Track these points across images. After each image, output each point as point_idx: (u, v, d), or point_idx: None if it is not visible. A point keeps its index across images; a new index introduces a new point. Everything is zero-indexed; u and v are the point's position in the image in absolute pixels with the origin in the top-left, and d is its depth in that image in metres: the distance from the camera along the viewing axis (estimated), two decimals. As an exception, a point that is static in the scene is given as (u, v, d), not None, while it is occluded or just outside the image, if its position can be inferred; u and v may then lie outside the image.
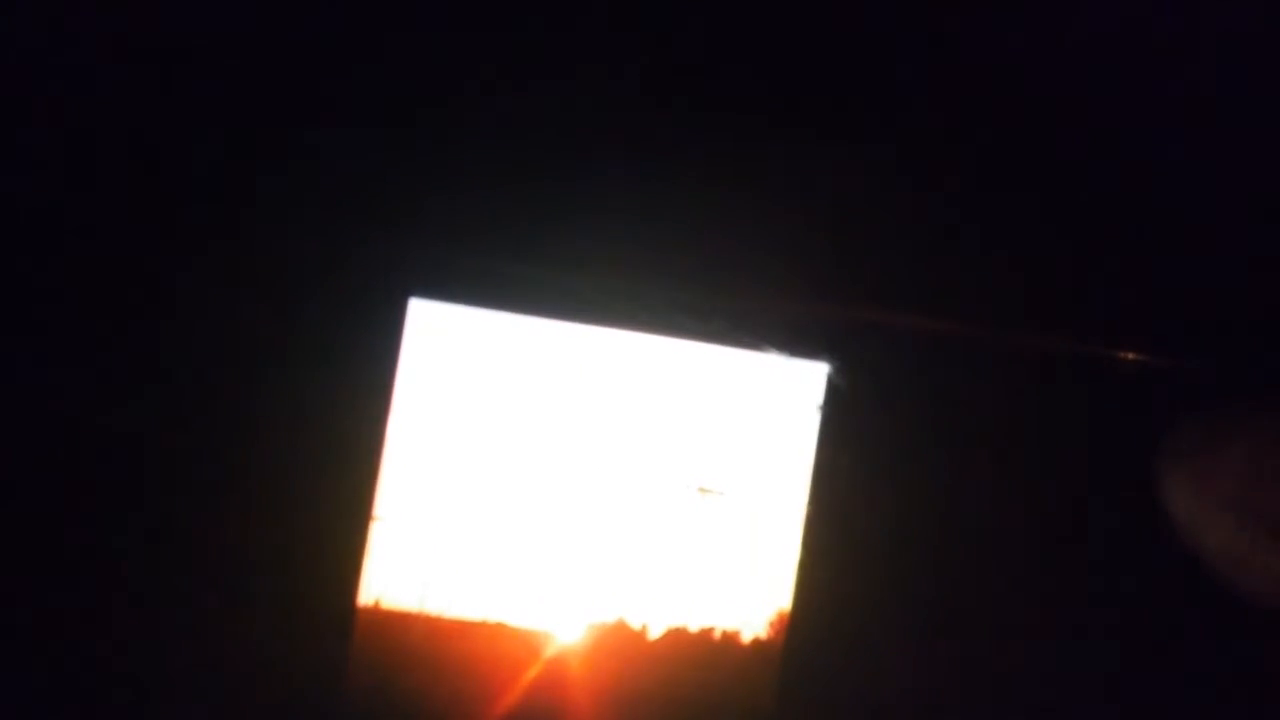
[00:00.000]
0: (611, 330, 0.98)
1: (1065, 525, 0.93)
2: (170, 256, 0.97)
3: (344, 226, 0.96)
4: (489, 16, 0.93)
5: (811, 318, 0.95)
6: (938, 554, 0.94)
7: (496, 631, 1.00)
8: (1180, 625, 0.91)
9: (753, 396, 0.98)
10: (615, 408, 1.00)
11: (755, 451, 0.99)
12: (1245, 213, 0.88)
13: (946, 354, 0.94)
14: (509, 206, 0.96)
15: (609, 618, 1.01)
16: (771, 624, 0.99)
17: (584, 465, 1.00)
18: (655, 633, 1.01)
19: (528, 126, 0.96)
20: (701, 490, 0.99)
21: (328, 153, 0.96)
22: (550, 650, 1.00)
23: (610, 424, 1.00)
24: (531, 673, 0.99)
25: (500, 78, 0.95)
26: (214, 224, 0.97)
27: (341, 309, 0.96)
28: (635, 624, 1.01)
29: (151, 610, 0.95)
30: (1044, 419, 0.94)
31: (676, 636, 1.01)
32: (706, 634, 1.01)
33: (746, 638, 1.00)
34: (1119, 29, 0.80)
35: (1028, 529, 0.94)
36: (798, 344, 0.96)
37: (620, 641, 1.01)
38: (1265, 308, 0.90)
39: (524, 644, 1.00)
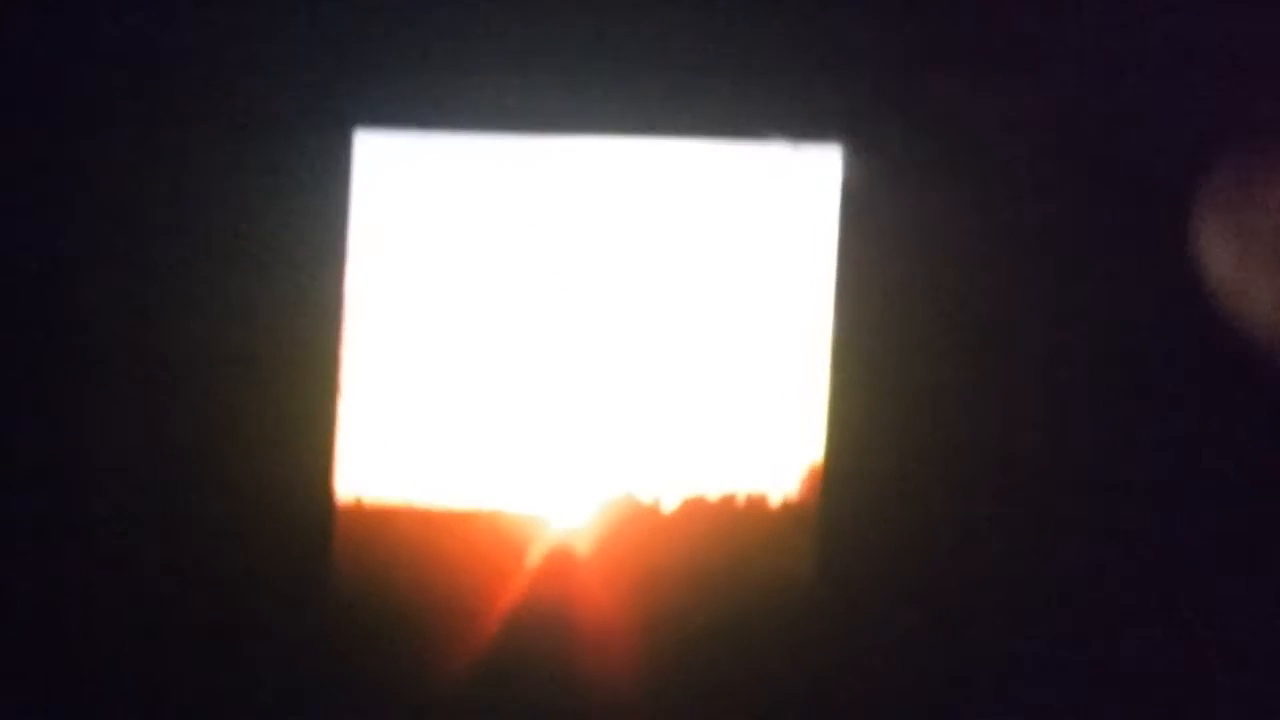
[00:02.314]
0: (589, 140, 0.86)
1: (1116, 326, 0.82)
2: (94, 98, 0.85)
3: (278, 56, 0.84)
4: None
5: (820, 97, 0.83)
6: (984, 361, 0.83)
7: (492, 520, 0.88)
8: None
9: (758, 202, 0.86)
10: (602, 235, 0.87)
11: (767, 273, 0.87)
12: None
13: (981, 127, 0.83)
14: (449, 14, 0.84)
15: (615, 494, 0.89)
16: (803, 481, 0.87)
17: (572, 309, 0.87)
18: (670, 506, 0.89)
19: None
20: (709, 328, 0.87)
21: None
22: (553, 536, 0.88)
23: (599, 257, 0.87)
24: (533, 563, 0.87)
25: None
26: (142, 61, 0.85)
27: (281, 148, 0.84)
28: (646, 498, 0.89)
29: (117, 517, 0.84)
30: (1087, 191, 0.83)
31: (695, 507, 0.89)
32: (729, 501, 0.89)
33: (775, 500, 0.88)
34: None
35: (1086, 327, 0.82)
36: (806, 128, 0.84)
37: (631, 520, 0.88)
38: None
39: (522, 532, 0.88)
